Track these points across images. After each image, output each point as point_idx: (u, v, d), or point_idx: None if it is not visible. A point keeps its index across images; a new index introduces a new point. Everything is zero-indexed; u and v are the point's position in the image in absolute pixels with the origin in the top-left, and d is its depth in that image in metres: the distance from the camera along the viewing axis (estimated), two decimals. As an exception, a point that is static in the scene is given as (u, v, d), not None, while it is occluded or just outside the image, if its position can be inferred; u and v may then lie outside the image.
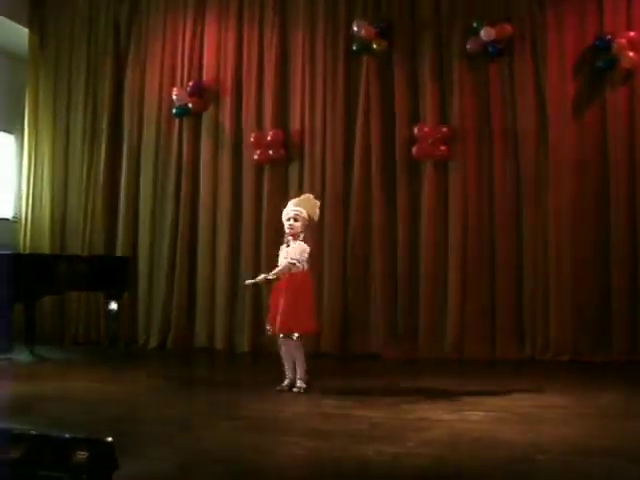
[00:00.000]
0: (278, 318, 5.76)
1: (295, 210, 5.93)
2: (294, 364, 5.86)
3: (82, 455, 2.65)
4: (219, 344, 8.82)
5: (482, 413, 4.90)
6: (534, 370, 7.33)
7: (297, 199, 6.16)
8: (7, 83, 10.14)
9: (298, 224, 5.87)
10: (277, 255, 6.03)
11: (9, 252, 8.13)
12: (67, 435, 2.82)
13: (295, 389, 5.77)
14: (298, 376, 5.82)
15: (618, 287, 7.77)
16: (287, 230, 5.90)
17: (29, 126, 10.06)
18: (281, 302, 5.77)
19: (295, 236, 5.88)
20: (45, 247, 9.70)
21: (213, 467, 3.58)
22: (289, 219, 5.90)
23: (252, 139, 8.86)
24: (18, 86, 10.10)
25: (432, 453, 3.80)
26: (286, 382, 5.86)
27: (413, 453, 3.80)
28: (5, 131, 10.63)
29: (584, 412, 5.01)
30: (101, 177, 9.58)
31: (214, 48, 9.30)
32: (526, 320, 8.05)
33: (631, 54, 7.83)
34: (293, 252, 5.83)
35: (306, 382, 5.79)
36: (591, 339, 7.80)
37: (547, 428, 4.45)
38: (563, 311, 7.84)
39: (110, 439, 2.67)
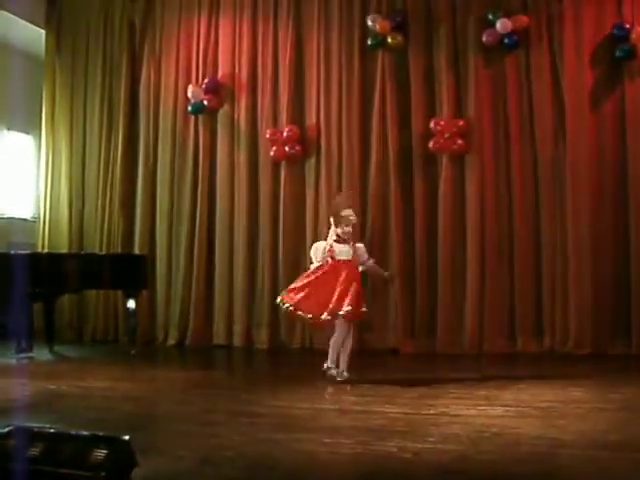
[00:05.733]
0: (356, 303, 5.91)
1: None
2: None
3: (101, 453, 2.66)
4: (237, 341, 8.83)
5: (502, 408, 4.86)
6: (554, 364, 7.29)
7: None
8: (24, 84, 10.18)
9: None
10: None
11: (28, 251, 8.19)
12: (86, 433, 2.83)
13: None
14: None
15: (637, 280, 7.68)
16: (348, 233, 6.14)
17: (46, 126, 10.12)
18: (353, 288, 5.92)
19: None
20: (63, 246, 9.76)
21: (231, 464, 3.57)
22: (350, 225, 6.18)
23: (268, 136, 8.85)
24: (35, 87, 10.16)
25: (453, 448, 3.76)
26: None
27: (434, 449, 3.77)
28: (23, 132, 10.70)
29: (605, 406, 4.96)
30: (118, 176, 9.62)
31: (229, 45, 9.30)
32: (545, 314, 7.99)
33: (650, 43, 7.73)
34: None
35: None
36: (610, 332, 7.74)
37: (568, 422, 4.40)
38: (582, 304, 7.77)
39: (128, 437, 2.67)
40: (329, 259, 6.08)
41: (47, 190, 10.05)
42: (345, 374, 6.02)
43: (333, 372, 6.02)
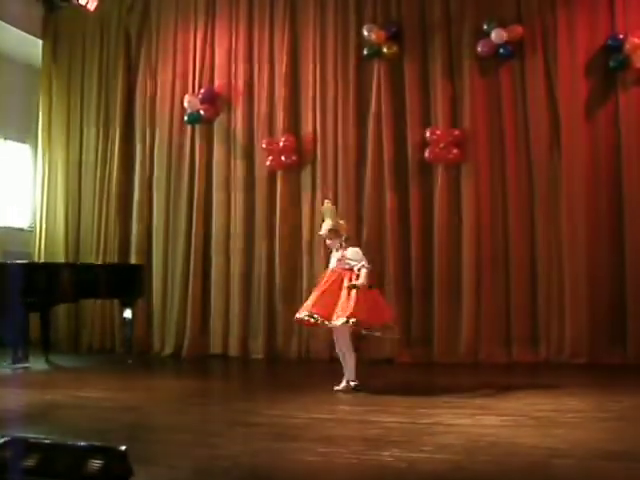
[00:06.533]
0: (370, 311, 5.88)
1: (325, 230, 6.27)
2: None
3: (96, 463, 2.65)
4: (234, 351, 8.82)
5: (498, 417, 4.86)
6: (550, 373, 7.28)
7: (327, 219, 6.36)
8: (21, 93, 10.22)
9: (334, 240, 6.20)
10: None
11: (24, 261, 8.18)
12: (82, 443, 2.82)
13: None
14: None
15: (633, 289, 7.70)
16: (330, 244, 6.28)
17: (43, 136, 10.14)
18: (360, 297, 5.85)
19: (337, 248, 6.18)
20: (60, 255, 9.76)
21: (227, 474, 3.57)
22: (325, 238, 6.29)
23: (264, 145, 8.86)
24: (32, 96, 10.18)
25: (448, 458, 3.76)
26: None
27: (429, 458, 3.77)
28: (20, 141, 10.70)
29: (601, 415, 4.97)
30: (114, 185, 9.63)
31: (225, 55, 9.34)
32: (541, 323, 7.99)
33: (643, 54, 7.77)
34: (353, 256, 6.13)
35: None
36: (606, 342, 7.74)
37: (564, 432, 4.40)
38: (578, 314, 7.77)
39: (124, 447, 2.67)
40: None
41: (43, 200, 10.06)
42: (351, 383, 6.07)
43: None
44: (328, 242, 6.28)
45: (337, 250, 6.17)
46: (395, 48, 8.49)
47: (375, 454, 3.87)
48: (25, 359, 7.51)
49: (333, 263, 6.16)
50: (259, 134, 9.06)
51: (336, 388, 5.96)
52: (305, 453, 3.92)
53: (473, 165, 8.26)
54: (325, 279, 6.14)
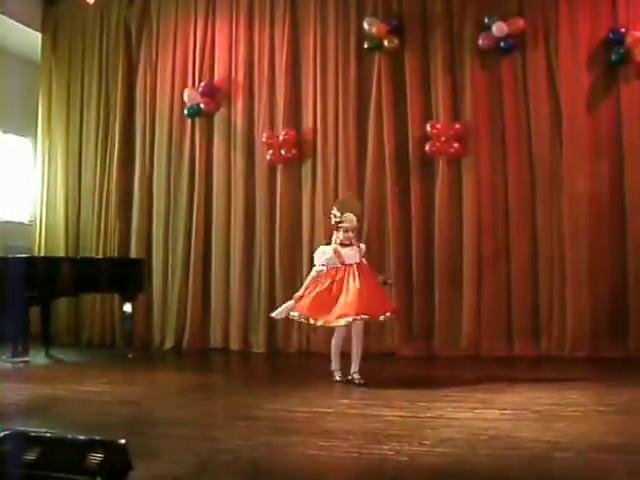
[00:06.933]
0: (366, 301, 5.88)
1: (354, 222, 6.23)
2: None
3: (96, 457, 2.65)
4: (234, 344, 8.82)
5: (499, 411, 4.86)
6: (551, 367, 7.27)
7: (350, 211, 6.28)
8: (21, 87, 10.19)
9: (352, 233, 6.23)
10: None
11: (24, 255, 8.18)
12: (82, 437, 2.82)
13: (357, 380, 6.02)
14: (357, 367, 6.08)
15: (635, 282, 7.69)
16: (346, 240, 6.16)
17: (43, 130, 10.12)
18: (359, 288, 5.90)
19: (350, 242, 6.20)
20: (60, 249, 9.75)
21: (229, 468, 3.57)
22: (349, 230, 6.17)
23: (264, 139, 8.84)
24: (32, 90, 10.15)
25: (449, 452, 3.76)
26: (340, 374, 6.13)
27: (431, 452, 3.77)
28: (20, 135, 10.69)
29: (603, 409, 4.96)
30: (114, 179, 9.61)
31: (225, 48, 9.31)
32: (542, 316, 7.98)
33: (645, 47, 7.74)
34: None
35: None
36: (608, 335, 7.73)
37: (565, 425, 4.39)
38: (579, 307, 7.77)
39: (124, 441, 2.66)
40: (339, 264, 6.09)
41: (44, 193, 10.04)
42: (356, 376, 6.03)
43: (335, 375, 6.16)
44: (350, 235, 6.18)
45: (349, 245, 6.16)
46: (396, 41, 8.46)
47: (376, 448, 3.87)
48: (25, 353, 7.50)
49: (356, 257, 6.12)
50: (259, 128, 9.03)
51: (360, 380, 5.99)
52: (306, 447, 3.92)
53: (474, 159, 8.24)
54: (357, 274, 6.02)
